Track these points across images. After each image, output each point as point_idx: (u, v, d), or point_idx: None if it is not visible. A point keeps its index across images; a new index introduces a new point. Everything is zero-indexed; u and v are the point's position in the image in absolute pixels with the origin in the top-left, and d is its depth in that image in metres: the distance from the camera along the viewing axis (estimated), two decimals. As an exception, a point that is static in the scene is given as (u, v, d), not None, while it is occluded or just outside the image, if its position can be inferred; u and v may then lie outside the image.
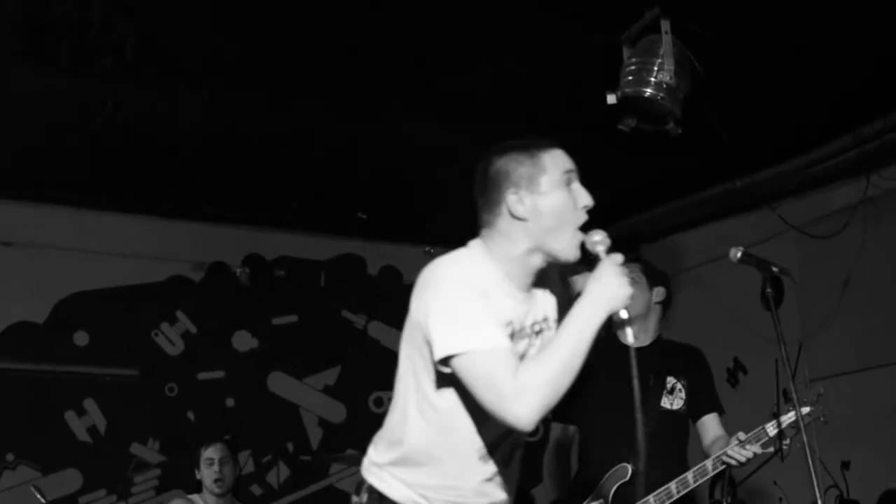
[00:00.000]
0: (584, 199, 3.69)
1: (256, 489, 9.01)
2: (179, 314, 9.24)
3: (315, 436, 9.54)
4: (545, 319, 3.78)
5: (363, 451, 4.00)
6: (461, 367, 3.40)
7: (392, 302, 9.72)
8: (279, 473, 9.37)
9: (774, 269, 5.01)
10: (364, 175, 8.41)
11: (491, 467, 3.75)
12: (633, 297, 5.17)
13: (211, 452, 7.56)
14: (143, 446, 8.91)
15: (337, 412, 9.69)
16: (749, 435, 5.34)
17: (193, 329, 9.28)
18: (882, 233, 8.23)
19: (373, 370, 9.90)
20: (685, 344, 6.12)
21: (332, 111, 7.25)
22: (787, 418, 5.36)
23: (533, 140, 3.70)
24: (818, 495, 4.70)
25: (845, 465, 8.31)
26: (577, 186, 3.69)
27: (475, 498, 3.77)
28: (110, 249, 8.96)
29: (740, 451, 5.30)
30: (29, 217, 8.81)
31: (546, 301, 3.80)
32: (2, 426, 8.43)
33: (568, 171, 3.67)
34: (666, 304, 5.92)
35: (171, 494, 8.20)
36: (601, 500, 5.48)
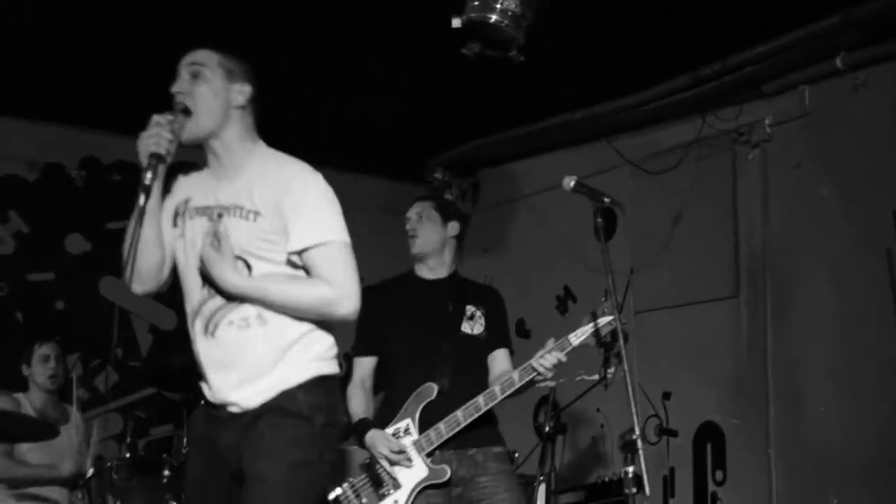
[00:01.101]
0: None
1: (84, 393, 8.94)
2: (12, 214, 9.09)
3: (145, 341, 9.49)
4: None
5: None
6: None
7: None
8: (107, 378, 9.31)
9: (606, 199, 5.12)
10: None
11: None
12: (426, 233, 5.39)
13: (46, 349, 7.49)
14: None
15: (170, 318, 9.63)
16: (553, 345, 5.45)
17: (25, 229, 9.15)
18: (712, 173, 8.40)
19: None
20: (484, 284, 6.26)
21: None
22: (586, 329, 5.46)
23: None
24: (636, 422, 4.84)
25: (666, 396, 8.50)
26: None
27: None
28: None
29: (545, 357, 5.40)
30: None
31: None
32: None
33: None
34: (460, 239, 6.00)
35: (-3, 393, 8.10)
36: (408, 420, 5.52)
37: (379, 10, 7.03)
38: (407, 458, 5.43)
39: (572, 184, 5.11)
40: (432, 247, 5.82)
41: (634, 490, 4.92)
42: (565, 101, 8.58)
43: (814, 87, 7.83)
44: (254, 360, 4.05)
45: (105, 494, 6.87)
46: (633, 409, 4.82)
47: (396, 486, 5.43)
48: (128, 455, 7.10)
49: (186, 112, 4.09)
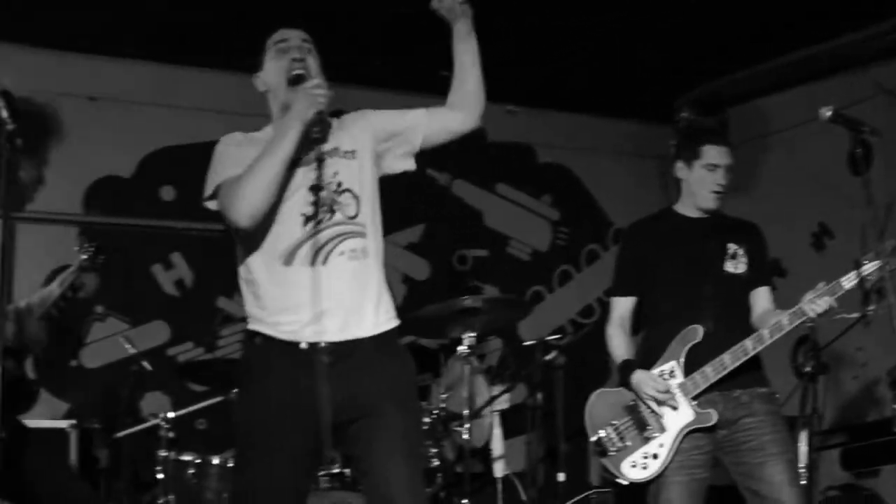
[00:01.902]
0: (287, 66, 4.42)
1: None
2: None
3: (399, 292, 9.59)
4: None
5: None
6: None
7: (476, 160, 9.75)
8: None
9: (864, 129, 4.94)
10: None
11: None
12: None
13: None
14: (230, 300, 9.01)
15: (421, 269, 9.74)
16: (825, 288, 5.30)
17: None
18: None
19: (457, 228, 9.95)
20: (743, 219, 6.07)
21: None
22: (868, 268, 5.28)
23: None
24: (902, 359, 4.68)
25: (929, 331, 8.25)
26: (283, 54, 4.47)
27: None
28: (196, 105, 9.02)
29: (816, 302, 5.26)
30: (112, 71, 8.87)
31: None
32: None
33: (277, 43, 4.51)
34: None
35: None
36: (673, 362, 5.43)
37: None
38: (673, 399, 5.35)
39: (829, 114, 4.93)
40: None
41: (904, 430, 4.76)
42: (815, 31, 8.34)
43: None
44: (363, 291, 4.28)
45: None
46: (899, 345, 4.65)
47: (662, 428, 5.35)
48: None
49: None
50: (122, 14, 7.99)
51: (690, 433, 5.34)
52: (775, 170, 9.82)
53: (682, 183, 5.68)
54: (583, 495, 7.81)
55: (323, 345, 4.18)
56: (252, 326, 4.38)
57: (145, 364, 7.54)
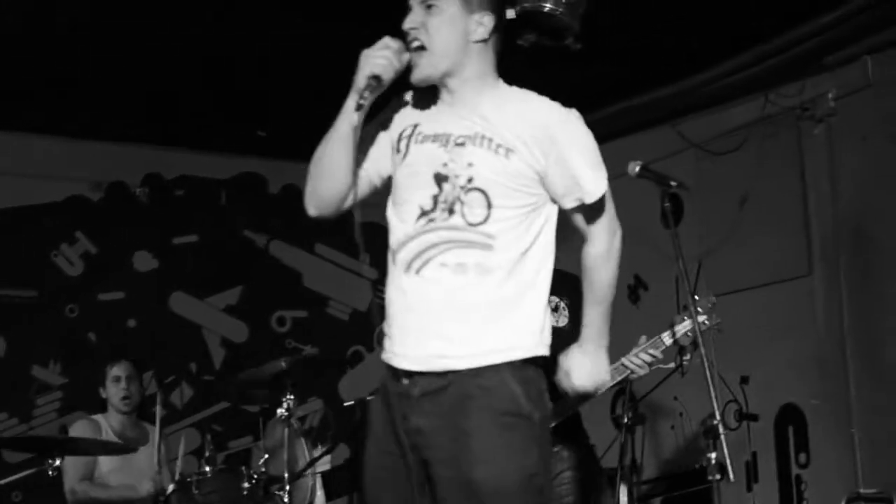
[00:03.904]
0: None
1: (160, 410, 8.99)
2: (79, 234, 9.14)
3: (218, 356, 9.52)
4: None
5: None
6: None
7: (294, 221, 9.70)
8: (182, 393, 9.35)
9: (673, 183, 5.03)
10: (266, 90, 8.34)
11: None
12: None
13: (117, 370, 7.43)
14: (45, 369, 8.84)
15: (239, 332, 9.66)
16: (646, 343, 5.39)
17: (93, 249, 9.19)
18: (779, 150, 8.29)
19: (275, 289, 9.88)
20: (564, 270, 6.14)
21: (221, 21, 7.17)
22: (683, 327, 5.41)
23: None
24: (716, 408, 4.74)
25: (744, 380, 8.40)
26: None
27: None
28: (6, 168, 8.81)
29: (638, 356, 5.35)
30: None
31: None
32: None
33: None
34: None
35: (75, 417, 8.11)
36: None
37: None
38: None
39: (637, 168, 5.03)
40: None
41: (718, 477, 4.82)
42: (624, 87, 8.48)
43: (876, 56, 7.72)
44: (461, 314, 3.63)
45: (187, 510, 6.87)
46: (713, 394, 4.72)
47: None
48: (207, 469, 7.09)
49: (421, 49, 3.68)
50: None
51: None
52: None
53: None
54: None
55: (406, 372, 3.70)
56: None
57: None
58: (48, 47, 7.44)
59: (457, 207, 3.64)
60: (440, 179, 3.67)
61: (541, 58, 6.44)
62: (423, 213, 3.67)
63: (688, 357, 5.53)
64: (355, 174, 3.78)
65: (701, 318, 5.37)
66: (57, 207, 9.08)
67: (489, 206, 3.63)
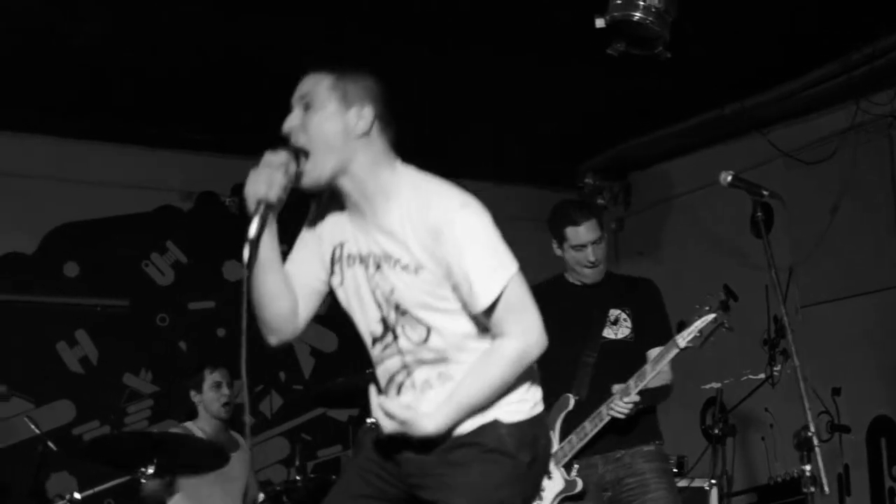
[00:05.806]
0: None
1: (250, 419, 9.04)
2: (169, 244, 9.21)
3: (307, 365, 9.55)
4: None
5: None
6: None
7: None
8: (272, 403, 9.39)
9: (765, 192, 5.00)
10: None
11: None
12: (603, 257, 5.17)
13: (218, 376, 7.42)
14: (136, 377, 8.92)
15: (329, 341, 9.68)
16: (625, 385, 5.41)
17: (184, 259, 9.27)
18: (870, 159, 8.22)
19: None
20: (637, 277, 6.15)
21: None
22: (701, 322, 5.38)
23: None
24: (810, 420, 4.70)
25: (836, 392, 8.32)
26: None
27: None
28: (98, 179, 8.91)
29: (616, 404, 5.39)
30: (13, 147, 8.74)
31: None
32: (-6, 358, 8.45)
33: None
34: None
35: (165, 424, 8.17)
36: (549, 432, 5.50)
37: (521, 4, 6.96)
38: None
39: (730, 178, 4.99)
40: (600, 256, 5.72)
41: (812, 489, 4.78)
42: (714, 96, 8.43)
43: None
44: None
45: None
46: (806, 406, 4.68)
47: (539, 497, 5.38)
48: (297, 479, 7.11)
49: (303, 153, 3.64)
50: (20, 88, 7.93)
51: (565, 500, 5.41)
52: (677, 233, 9.88)
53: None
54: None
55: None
56: None
57: (50, 444, 7.40)
58: (139, 60, 7.54)
59: (399, 331, 3.65)
60: (378, 304, 3.68)
61: (629, 68, 6.44)
62: (376, 340, 3.73)
63: (778, 368, 5.50)
64: (290, 292, 3.87)
65: (710, 317, 5.34)
66: (148, 217, 9.16)
67: (423, 323, 3.61)
